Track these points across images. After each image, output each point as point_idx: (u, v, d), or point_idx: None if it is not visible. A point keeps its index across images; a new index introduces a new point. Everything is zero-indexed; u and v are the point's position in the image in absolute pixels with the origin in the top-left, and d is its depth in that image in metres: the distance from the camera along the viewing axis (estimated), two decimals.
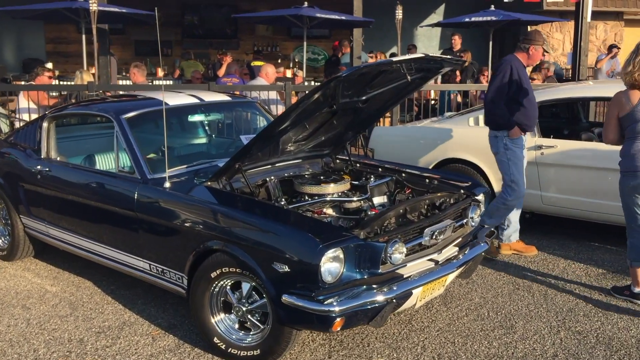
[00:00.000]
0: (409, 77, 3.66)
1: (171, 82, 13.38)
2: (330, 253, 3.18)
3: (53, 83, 8.75)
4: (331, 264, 3.22)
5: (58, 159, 4.89)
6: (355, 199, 4.10)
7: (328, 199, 4.02)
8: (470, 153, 6.10)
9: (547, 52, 12.57)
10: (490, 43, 11.38)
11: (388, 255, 3.36)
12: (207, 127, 4.92)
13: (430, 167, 6.28)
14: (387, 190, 4.48)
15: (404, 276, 3.51)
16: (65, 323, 4.20)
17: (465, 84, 10.28)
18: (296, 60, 15.29)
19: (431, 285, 3.66)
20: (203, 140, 4.87)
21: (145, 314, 4.33)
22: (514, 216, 5.43)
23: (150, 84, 9.28)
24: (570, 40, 14.91)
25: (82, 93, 7.62)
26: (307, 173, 4.48)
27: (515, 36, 15.40)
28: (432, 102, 10.98)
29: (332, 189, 4.09)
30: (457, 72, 10.82)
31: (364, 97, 4.05)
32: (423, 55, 3.56)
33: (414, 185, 4.40)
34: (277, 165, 4.42)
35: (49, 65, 13.75)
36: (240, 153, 3.81)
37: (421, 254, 3.69)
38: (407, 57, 3.49)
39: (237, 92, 8.41)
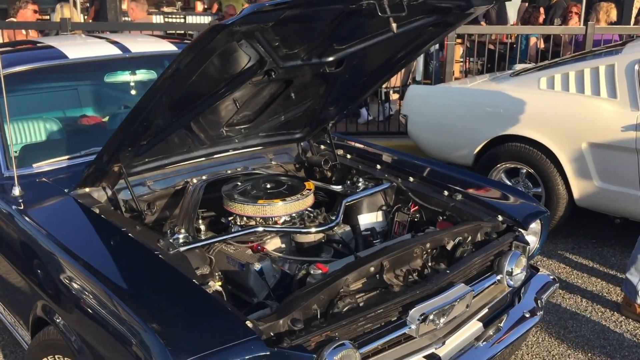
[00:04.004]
0: (394, 25, 1.91)
1: (209, 19, 11.97)
2: None
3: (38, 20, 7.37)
4: None
5: None
6: (313, 230, 2.46)
7: (260, 229, 2.39)
8: (537, 129, 4.25)
9: None
10: None
11: None
12: (133, 93, 3.36)
13: (479, 148, 4.51)
14: (384, 204, 2.82)
15: None
16: None
17: (548, 26, 8.08)
18: None
19: None
20: (120, 114, 3.30)
21: None
22: None
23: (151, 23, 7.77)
24: None
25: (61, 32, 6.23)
26: (262, 171, 2.89)
27: None
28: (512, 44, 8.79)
29: (280, 209, 2.47)
30: (541, 10, 8.62)
31: (331, 58, 2.36)
32: None
33: (422, 199, 2.70)
34: (215, 157, 2.86)
35: None
36: (116, 139, 2.22)
37: (407, 349, 2.05)
38: None
39: None
